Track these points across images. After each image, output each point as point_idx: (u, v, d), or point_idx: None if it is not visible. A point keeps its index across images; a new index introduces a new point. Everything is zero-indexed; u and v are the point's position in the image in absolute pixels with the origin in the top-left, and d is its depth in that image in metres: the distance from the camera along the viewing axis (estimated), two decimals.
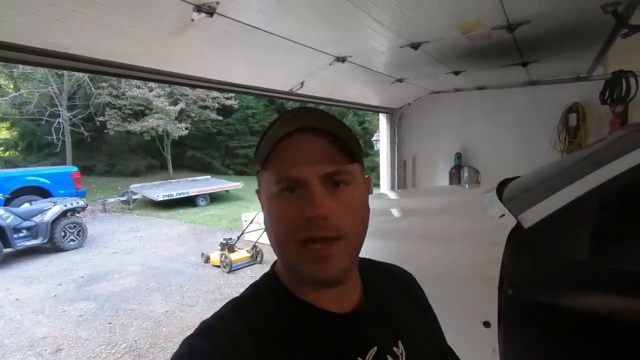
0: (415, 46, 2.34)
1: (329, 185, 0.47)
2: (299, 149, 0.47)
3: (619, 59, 3.19)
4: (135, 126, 14.29)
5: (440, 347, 0.66)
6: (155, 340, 3.47)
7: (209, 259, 5.73)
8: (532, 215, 1.51)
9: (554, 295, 1.40)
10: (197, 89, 14.53)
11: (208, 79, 2.24)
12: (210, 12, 1.61)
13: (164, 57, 1.89)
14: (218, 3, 1.58)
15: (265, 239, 6.26)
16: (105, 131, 14.45)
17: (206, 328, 0.49)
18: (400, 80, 3.67)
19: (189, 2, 1.56)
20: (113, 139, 15.42)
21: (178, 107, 14.71)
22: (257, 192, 0.54)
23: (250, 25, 1.88)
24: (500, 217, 1.66)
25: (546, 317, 1.40)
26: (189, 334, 0.48)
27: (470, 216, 1.96)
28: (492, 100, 4.58)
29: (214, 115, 16.71)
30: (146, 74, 1.90)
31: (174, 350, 0.46)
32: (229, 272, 5.29)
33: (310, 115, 0.50)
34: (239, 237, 5.73)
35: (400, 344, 0.55)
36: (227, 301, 0.54)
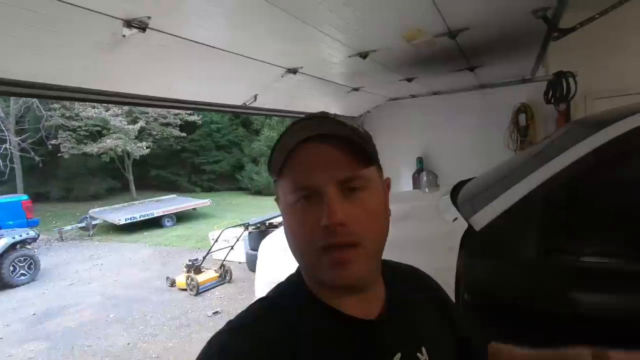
0: (363, 55, 2.36)
1: (345, 191, 0.47)
2: (311, 157, 0.47)
3: (558, 59, 3.38)
4: (92, 147, 13.65)
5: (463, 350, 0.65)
6: None
7: (175, 282, 5.48)
8: (483, 218, 1.52)
9: (508, 297, 1.41)
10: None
11: (152, 97, 2.13)
12: (143, 27, 1.53)
13: (97, 76, 1.77)
14: (150, 18, 1.50)
15: (233, 257, 6.08)
16: (60, 154, 13.67)
17: (236, 327, 0.48)
18: (357, 89, 3.69)
19: (118, 18, 1.47)
20: (68, 162, 14.61)
21: (137, 126, 14.21)
22: (276, 200, 0.54)
23: (191, 40, 1.81)
24: (454, 221, 1.66)
25: (503, 319, 1.40)
26: (217, 331, 0.48)
27: (427, 222, 1.96)
28: (448, 104, 4.71)
29: (176, 132, 16.27)
30: (80, 94, 1.78)
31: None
32: (196, 295, 5.07)
33: (321, 122, 0.49)
34: (204, 257, 5.52)
35: (424, 349, 0.54)
36: (253, 301, 0.54)
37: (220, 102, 2.80)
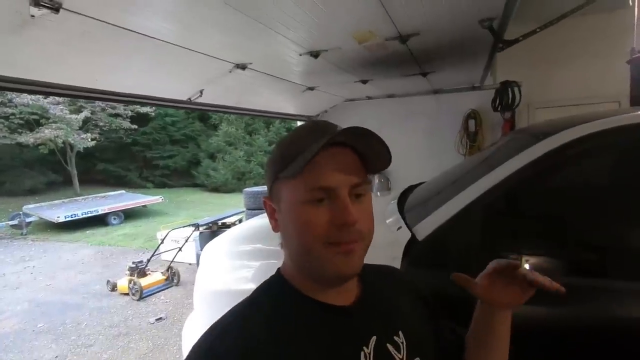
0: (314, 54, 2.28)
1: (352, 194, 0.52)
2: (331, 160, 0.51)
3: (505, 69, 3.52)
4: (28, 138, 12.43)
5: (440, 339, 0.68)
6: None
7: (116, 286, 5.09)
8: (425, 227, 1.50)
9: (445, 307, 1.39)
10: None
11: (75, 87, 1.90)
12: (55, 7, 1.33)
13: (3, 60, 1.53)
14: None
15: (183, 258, 5.78)
16: None
17: (220, 328, 0.51)
18: (312, 89, 3.61)
19: None
20: None
21: (82, 116, 13.16)
22: (268, 199, 0.58)
23: (122, 27, 1.63)
24: (398, 229, 1.63)
25: None
26: (202, 334, 0.50)
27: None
28: (402, 107, 4.78)
29: (127, 124, 15.27)
30: None
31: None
32: (139, 300, 4.74)
33: (340, 130, 0.53)
34: (149, 259, 5.18)
35: (400, 333, 0.58)
36: (242, 299, 0.57)
37: (162, 96, 2.59)
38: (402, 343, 0.57)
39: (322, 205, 0.51)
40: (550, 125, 1.62)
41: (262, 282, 0.61)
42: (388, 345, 0.56)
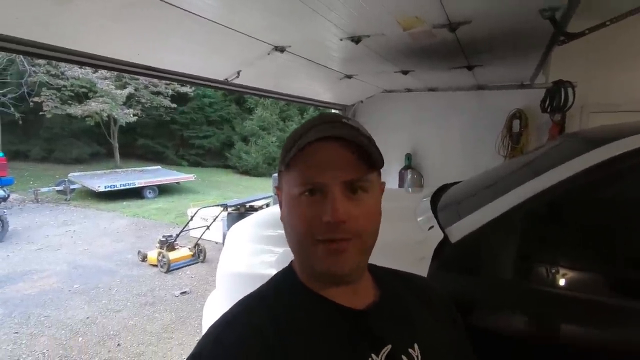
0: (355, 40, 2.18)
1: (349, 192, 0.50)
2: (322, 155, 0.50)
3: (559, 67, 3.26)
4: (77, 109, 13.16)
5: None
6: (67, 353, 3.09)
7: (146, 257, 5.33)
8: (460, 229, 1.41)
9: (473, 315, 1.31)
10: None
11: (118, 60, 1.92)
12: None
13: (50, 29, 1.57)
14: None
15: (210, 236, 5.94)
16: (42, 113, 13.14)
17: (230, 318, 0.52)
18: (350, 77, 3.52)
19: None
20: (51, 122, 14.10)
21: (126, 92, 13.73)
22: (277, 189, 0.59)
23: (164, 1, 1.62)
24: (429, 229, 1.55)
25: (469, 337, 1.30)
26: (213, 323, 0.51)
27: (401, 226, 1.84)
28: (443, 102, 4.58)
29: (167, 103, 15.78)
30: (30, 47, 1.57)
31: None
32: (166, 272, 4.94)
33: (342, 126, 0.53)
34: (178, 234, 5.36)
35: (416, 346, 0.55)
36: (249, 292, 0.57)
37: (199, 74, 2.60)
38: (417, 357, 0.54)
39: (314, 201, 0.50)
40: (606, 131, 1.47)
41: (277, 271, 0.62)
42: (402, 356, 0.53)
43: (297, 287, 0.56)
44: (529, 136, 4.10)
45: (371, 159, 0.52)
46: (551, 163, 1.39)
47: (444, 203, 1.86)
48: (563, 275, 1.27)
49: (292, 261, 0.60)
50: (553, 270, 1.29)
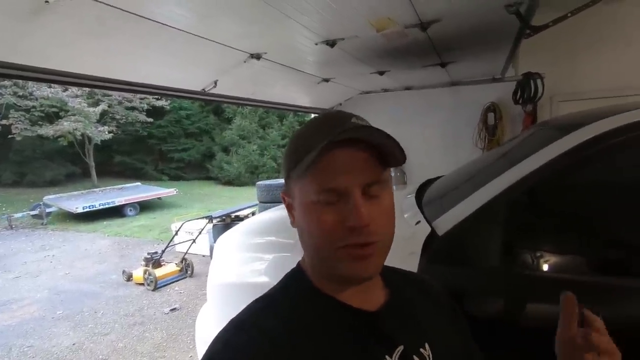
0: (330, 43, 2.21)
1: (366, 194, 0.49)
2: (339, 159, 0.48)
3: (528, 60, 3.38)
4: (48, 130, 12.74)
5: (468, 354, 0.65)
6: None
7: (132, 276, 5.19)
8: (446, 222, 1.44)
9: (465, 304, 1.34)
10: None
11: (89, 76, 1.88)
12: None
13: (17, 48, 1.53)
14: None
15: (197, 250, 5.84)
16: (11, 136, 12.65)
17: (239, 323, 0.51)
18: (327, 80, 3.55)
19: None
20: (21, 144, 13.61)
21: (99, 109, 13.40)
22: (285, 194, 0.57)
23: (133, 13, 1.60)
24: (416, 224, 1.57)
25: None
26: (222, 328, 0.50)
27: None
28: (420, 100, 4.67)
29: (142, 117, 15.49)
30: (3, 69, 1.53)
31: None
32: (153, 290, 4.82)
33: (345, 123, 0.51)
34: (164, 250, 5.25)
35: (427, 346, 0.55)
36: (257, 297, 0.56)
37: (176, 86, 2.57)
38: (429, 356, 0.55)
39: (333, 206, 0.48)
40: (575, 118, 1.53)
41: (282, 274, 0.60)
42: (414, 356, 0.53)
43: (307, 289, 0.55)
44: (504, 128, 4.23)
45: (387, 158, 0.50)
46: (526, 152, 1.44)
47: (429, 198, 1.90)
48: (546, 259, 1.32)
49: (299, 262, 0.60)
50: (537, 255, 1.34)
